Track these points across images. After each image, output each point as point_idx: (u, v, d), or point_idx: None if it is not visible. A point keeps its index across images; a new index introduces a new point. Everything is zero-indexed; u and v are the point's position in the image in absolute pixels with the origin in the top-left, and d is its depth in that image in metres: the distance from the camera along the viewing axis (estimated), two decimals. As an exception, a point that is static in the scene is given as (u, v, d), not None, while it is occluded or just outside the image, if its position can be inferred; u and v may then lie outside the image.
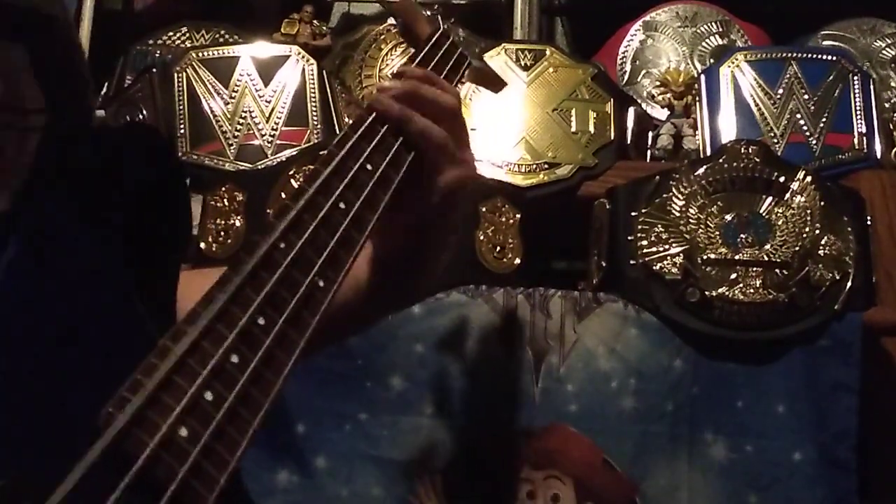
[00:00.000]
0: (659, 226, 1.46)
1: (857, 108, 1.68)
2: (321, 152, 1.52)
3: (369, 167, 0.84)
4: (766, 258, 1.45)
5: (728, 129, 1.68)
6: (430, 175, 0.92)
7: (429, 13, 1.11)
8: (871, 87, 1.70)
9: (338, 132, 1.69)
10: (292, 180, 1.52)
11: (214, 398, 0.60)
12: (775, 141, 1.66)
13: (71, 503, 0.53)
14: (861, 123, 1.67)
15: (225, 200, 1.52)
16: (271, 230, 0.71)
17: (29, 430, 0.59)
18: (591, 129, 1.67)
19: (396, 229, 0.92)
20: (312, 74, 1.73)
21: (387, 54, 1.83)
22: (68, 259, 0.68)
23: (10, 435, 0.58)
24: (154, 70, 1.74)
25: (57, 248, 0.68)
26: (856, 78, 1.70)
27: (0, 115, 0.73)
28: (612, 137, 1.67)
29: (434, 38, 1.05)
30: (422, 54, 1.02)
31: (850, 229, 1.47)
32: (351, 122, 0.90)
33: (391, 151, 0.88)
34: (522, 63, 1.73)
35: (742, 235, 1.46)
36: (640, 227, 1.46)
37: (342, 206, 0.79)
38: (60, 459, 0.54)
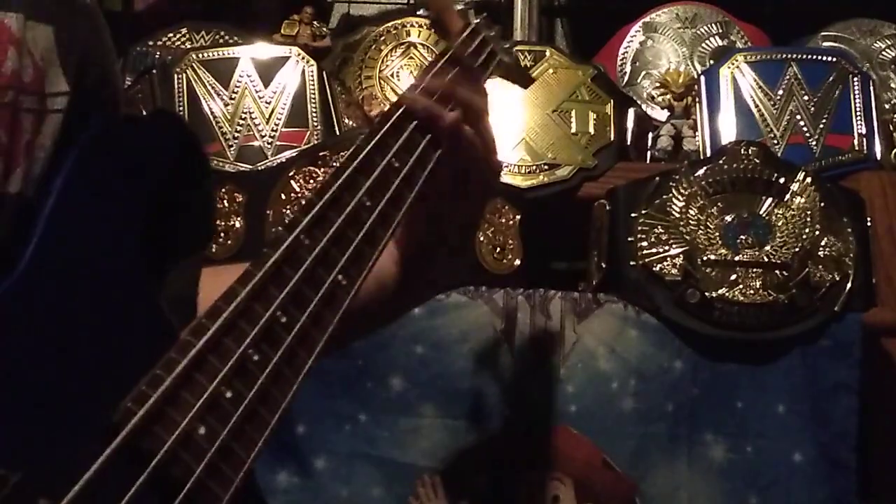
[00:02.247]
0: (659, 227, 1.46)
1: (857, 109, 1.68)
2: (322, 153, 1.54)
3: (396, 164, 0.83)
4: (766, 259, 1.45)
5: (728, 131, 1.68)
6: (456, 174, 0.91)
7: (461, 7, 1.11)
8: (871, 88, 1.70)
9: (338, 133, 1.70)
10: (292, 181, 1.52)
11: (234, 396, 0.60)
12: (775, 142, 1.66)
13: (87, 498, 0.52)
14: (861, 124, 1.67)
15: (225, 201, 1.52)
16: (295, 225, 0.70)
17: (47, 423, 0.58)
18: (591, 130, 1.67)
19: (417, 227, 0.92)
20: (312, 76, 1.73)
21: (387, 55, 1.82)
22: (90, 251, 0.67)
23: (28, 429, 0.57)
24: (154, 71, 1.74)
25: (79, 240, 0.67)
26: (856, 79, 1.70)
27: (25, 97, 0.73)
28: (612, 138, 1.67)
29: (465, 32, 1.05)
30: (453, 48, 1.01)
31: (850, 230, 1.47)
32: (380, 117, 0.88)
33: (418, 149, 0.86)
34: (522, 64, 1.73)
35: (742, 236, 1.46)
36: (639, 228, 1.46)
37: (368, 203, 0.77)
38: (78, 454, 0.54)
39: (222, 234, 1.50)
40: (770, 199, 1.48)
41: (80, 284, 0.65)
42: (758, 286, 1.43)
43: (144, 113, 1.68)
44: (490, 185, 0.96)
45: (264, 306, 0.64)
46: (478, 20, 1.08)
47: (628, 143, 1.71)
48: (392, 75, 1.79)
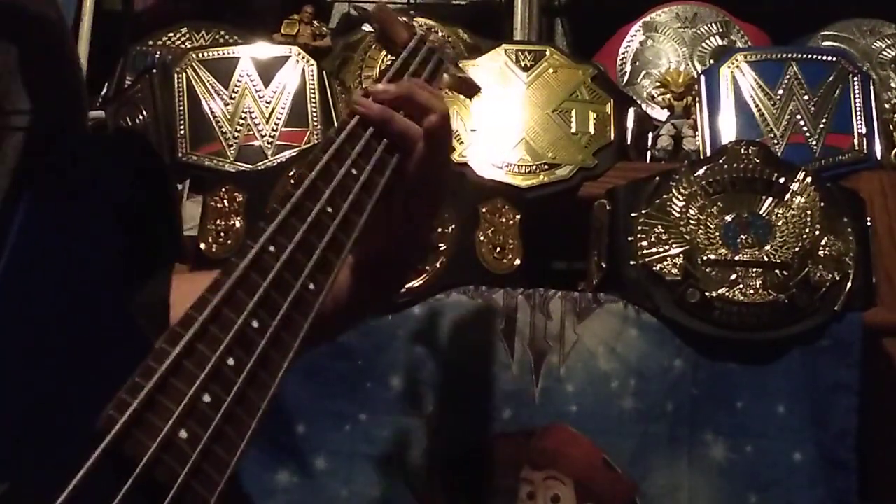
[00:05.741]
0: (659, 226, 1.46)
1: (857, 108, 1.68)
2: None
3: (354, 171, 0.85)
4: (766, 259, 1.45)
5: (728, 130, 1.68)
6: (416, 176, 0.93)
7: (405, 19, 1.12)
8: (871, 87, 1.70)
9: (337, 133, 1.70)
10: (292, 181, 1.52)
11: (212, 400, 0.61)
12: (775, 142, 1.66)
13: None
14: (861, 124, 1.67)
15: (225, 201, 1.52)
16: (260, 234, 0.72)
17: (28, 434, 0.59)
18: (591, 129, 1.67)
19: (379, 230, 0.92)
20: (312, 75, 1.73)
21: (387, 55, 1.83)
22: (59, 265, 0.68)
23: (10, 440, 0.58)
24: (154, 71, 1.74)
25: (49, 255, 0.68)
26: (856, 79, 1.70)
27: None
28: (612, 138, 1.67)
29: (411, 45, 1.06)
30: (400, 60, 1.02)
31: (850, 230, 1.47)
32: (336, 126, 0.91)
33: (375, 155, 0.89)
34: (522, 64, 1.73)
35: (742, 236, 1.46)
36: (640, 227, 1.46)
37: (329, 210, 0.80)
38: (61, 463, 0.54)
39: (222, 234, 1.50)
40: (770, 199, 1.48)
41: (51, 298, 0.66)
42: (758, 286, 1.43)
43: (140, 118, 1.68)
44: (445, 188, 0.98)
45: (236, 312, 0.66)
46: (422, 32, 1.09)
47: (628, 142, 1.71)
48: (392, 75, 1.79)
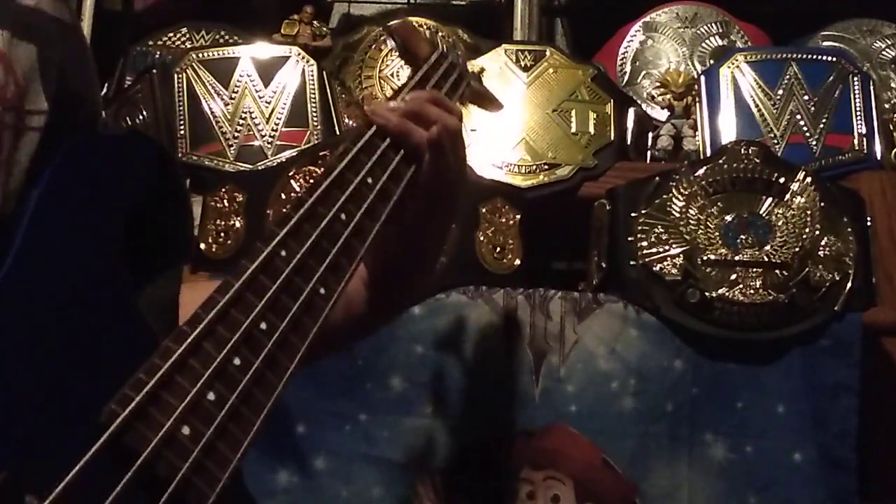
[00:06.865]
0: (659, 226, 1.46)
1: (857, 108, 1.68)
2: (322, 153, 1.54)
3: (370, 180, 0.85)
4: (766, 259, 1.45)
5: (728, 130, 1.68)
6: (428, 189, 0.93)
7: (428, 33, 1.12)
8: (871, 87, 1.70)
9: (338, 133, 1.70)
10: (292, 181, 1.52)
11: (217, 398, 0.61)
12: (775, 142, 1.66)
13: (73, 496, 0.53)
14: (861, 124, 1.67)
15: (225, 201, 1.52)
16: (271, 237, 0.72)
17: (32, 425, 0.60)
18: (591, 129, 1.68)
19: (391, 242, 0.93)
20: (312, 75, 1.73)
21: (387, 55, 1.83)
22: (68, 262, 0.69)
23: (14, 430, 0.59)
24: (154, 71, 1.74)
25: (57, 252, 0.69)
26: (856, 79, 1.70)
27: (5, 113, 0.74)
28: (612, 138, 1.68)
29: (433, 59, 1.06)
30: (420, 74, 1.03)
31: (850, 230, 1.47)
32: (350, 135, 0.91)
33: (391, 165, 0.89)
34: (522, 64, 1.73)
35: (742, 236, 1.46)
36: (640, 227, 1.46)
37: (343, 217, 0.80)
38: (63, 454, 0.55)
39: (222, 234, 1.50)
40: (770, 199, 1.48)
41: (58, 294, 0.67)
42: (758, 286, 1.43)
43: (140, 118, 1.69)
44: (458, 202, 0.98)
45: (244, 314, 0.66)
46: (445, 46, 1.09)
47: (628, 142, 1.71)
48: (392, 75, 1.79)
